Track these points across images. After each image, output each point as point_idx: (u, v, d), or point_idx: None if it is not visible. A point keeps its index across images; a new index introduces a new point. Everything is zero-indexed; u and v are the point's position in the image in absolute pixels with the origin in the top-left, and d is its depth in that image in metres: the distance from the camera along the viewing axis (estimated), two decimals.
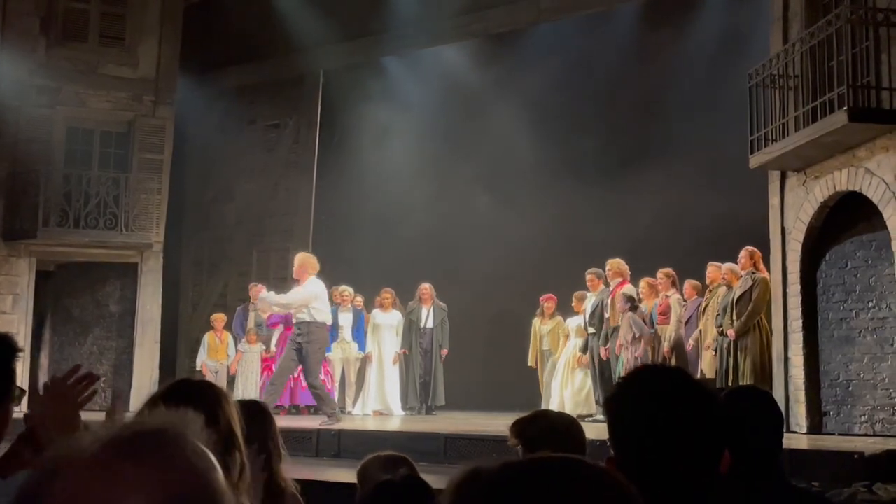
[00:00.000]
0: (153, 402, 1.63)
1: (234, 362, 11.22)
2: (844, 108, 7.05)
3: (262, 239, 14.32)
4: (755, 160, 8.29)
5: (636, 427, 1.33)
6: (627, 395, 1.39)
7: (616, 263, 9.43)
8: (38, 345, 12.73)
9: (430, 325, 10.70)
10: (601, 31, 11.79)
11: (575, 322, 10.24)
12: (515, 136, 12.37)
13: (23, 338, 10.50)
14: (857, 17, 7.23)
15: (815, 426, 7.99)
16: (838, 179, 7.80)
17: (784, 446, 2.24)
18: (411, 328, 10.74)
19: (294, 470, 2.58)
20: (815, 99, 7.58)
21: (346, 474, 5.58)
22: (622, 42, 11.57)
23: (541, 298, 10.69)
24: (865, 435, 7.53)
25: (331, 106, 13.91)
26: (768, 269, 8.60)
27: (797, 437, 7.61)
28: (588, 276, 9.75)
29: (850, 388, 7.88)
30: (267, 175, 14.42)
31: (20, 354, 1.86)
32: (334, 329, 10.30)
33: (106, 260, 12.78)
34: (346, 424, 8.48)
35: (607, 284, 9.52)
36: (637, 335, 8.80)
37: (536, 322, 10.75)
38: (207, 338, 11.56)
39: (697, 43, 11.10)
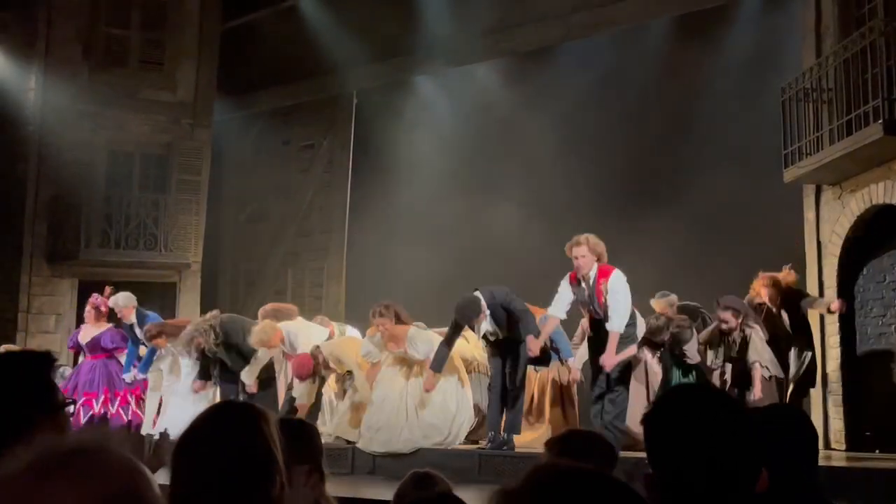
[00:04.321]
0: (196, 426, 1.66)
1: None
2: (880, 121, 6.99)
3: (298, 258, 14.47)
4: (789, 174, 8.24)
5: (674, 446, 1.35)
6: (665, 414, 1.41)
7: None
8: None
9: None
10: (631, 47, 11.79)
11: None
12: (547, 154, 12.38)
13: (65, 357, 10.73)
14: (891, 29, 7.17)
15: (855, 443, 7.86)
16: (874, 193, 7.72)
17: (822, 464, 2.24)
18: None
19: (330, 487, 2.62)
20: (850, 112, 7.52)
21: (381, 491, 5.63)
22: (653, 58, 11.54)
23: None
24: None
25: (364, 126, 14.06)
26: (804, 284, 8.42)
27: (836, 455, 7.49)
28: None
29: (890, 404, 7.75)
30: (301, 195, 14.59)
31: (59, 364, 1.95)
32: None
33: (146, 280, 13.00)
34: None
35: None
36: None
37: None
38: None
39: (729, 58, 11.03)
